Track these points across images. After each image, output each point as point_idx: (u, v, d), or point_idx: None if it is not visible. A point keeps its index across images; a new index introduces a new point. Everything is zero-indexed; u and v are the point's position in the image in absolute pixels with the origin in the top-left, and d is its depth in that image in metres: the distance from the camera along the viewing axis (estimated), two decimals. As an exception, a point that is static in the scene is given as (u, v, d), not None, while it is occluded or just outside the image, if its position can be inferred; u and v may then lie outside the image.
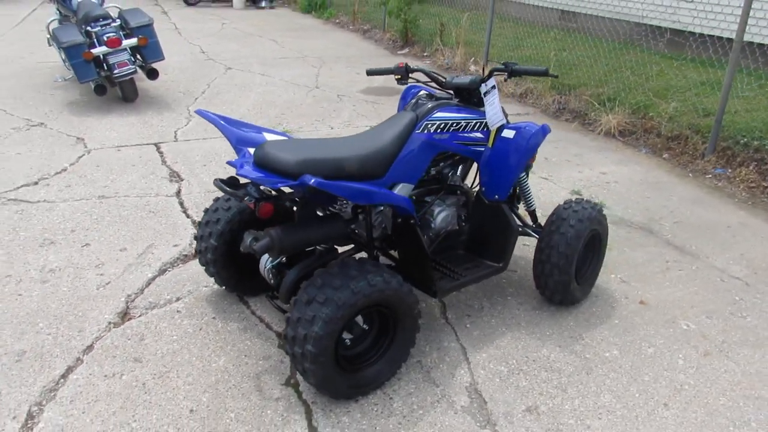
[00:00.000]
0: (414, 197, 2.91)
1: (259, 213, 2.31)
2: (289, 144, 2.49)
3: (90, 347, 2.70)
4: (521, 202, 3.24)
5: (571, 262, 2.89)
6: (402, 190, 2.70)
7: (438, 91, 3.09)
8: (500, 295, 3.24)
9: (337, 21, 12.89)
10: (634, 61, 7.35)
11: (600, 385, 2.60)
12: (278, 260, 2.75)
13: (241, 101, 6.66)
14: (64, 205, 4.05)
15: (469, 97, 2.97)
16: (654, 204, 4.47)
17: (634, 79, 6.83)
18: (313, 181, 2.10)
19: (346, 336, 2.43)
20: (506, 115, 3.03)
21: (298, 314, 2.26)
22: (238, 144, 2.62)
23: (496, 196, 2.90)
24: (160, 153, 5.08)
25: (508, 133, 2.88)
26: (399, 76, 3.11)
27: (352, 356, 2.47)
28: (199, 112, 2.74)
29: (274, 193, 2.55)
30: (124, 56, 5.97)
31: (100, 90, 5.92)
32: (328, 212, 2.70)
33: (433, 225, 2.93)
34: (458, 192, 3.05)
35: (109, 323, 2.87)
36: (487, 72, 2.90)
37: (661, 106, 5.98)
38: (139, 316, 2.95)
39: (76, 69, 5.79)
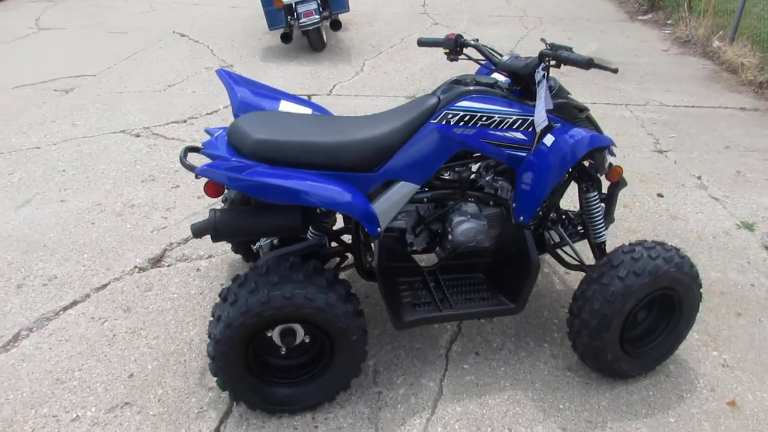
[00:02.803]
0: (426, 200, 2.41)
1: (205, 190, 2.12)
2: (265, 119, 2.23)
3: (104, 286, 2.87)
4: (589, 230, 2.50)
5: (608, 325, 2.14)
6: (401, 189, 2.24)
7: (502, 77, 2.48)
8: (536, 337, 2.58)
9: (589, -23, 11.54)
10: None
11: (579, 501, 1.91)
12: (270, 240, 2.56)
13: (419, 60, 6.38)
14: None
15: (528, 85, 2.32)
16: None
17: None
18: (198, 168, 1.84)
19: (282, 345, 2.14)
20: (577, 111, 2.31)
21: (214, 309, 2.06)
22: (239, 111, 2.44)
23: (521, 218, 2.25)
24: (305, 106, 5.13)
25: (548, 139, 2.19)
26: (447, 50, 2.57)
27: (284, 368, 2.19)
28: (219, 72, 2.61)
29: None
30: (312, 6, 6.08)
31: (285, 38, 6.18)
32: None
33: (450, 236, 2.41)
34: (490, 203, 2.45)
35: (135, 267, 3.01)
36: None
37: None
38: (167, 266, 3.04)
39: (267, 16, 6.14)
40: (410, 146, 2.20)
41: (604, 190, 2.58)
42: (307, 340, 2.15)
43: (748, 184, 3.92)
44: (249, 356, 2.06)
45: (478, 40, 2.53)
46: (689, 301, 2.27)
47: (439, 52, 6.59)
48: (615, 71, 2.07)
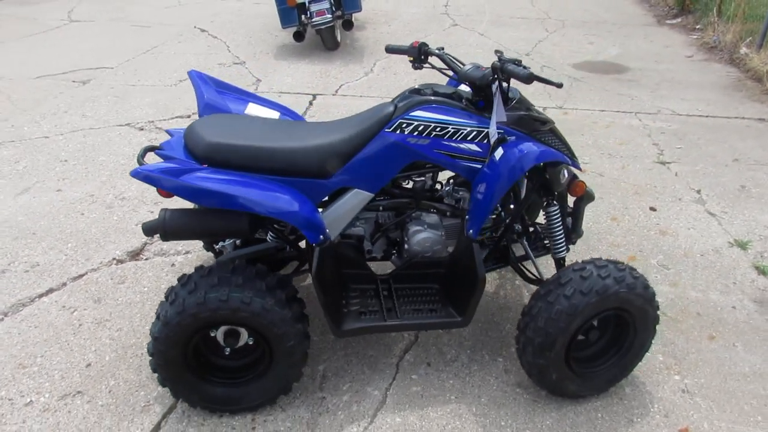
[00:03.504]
0: (382, 208, 2.41)
1: (157, 191, 2.16)
2: (223, 122, 2.27)
3: (80, 276, 2.96)
4: (550, 245, 2.46)
5: (552, 344, 2.10)
6: (355, 197, 2.25)
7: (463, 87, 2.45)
8: (492, 351, 2.55)
9: (625, -21, 11.23)
10: None
11: None
12: (231, 240, 2.60)
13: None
14: (189, 140, 4.42)
15: (488, 96, 2.28)
16: None
17: None
18: (133, 170, 1.89)
19: (225, 345, 2.17)
20: (538, 123, 2.25)
21: (159, 307, 2.10)
22: (204, 113, 2.48)
23: (470, 231, 2.22)
24: (310, 105, 5.17)
25: (498, 152, 2.15)
26: (411, 58, 2.55)
27: (225, 368, 2.22)
28: (189, 73, 2.66)
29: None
30: (324, 5, 6.10)
31: (297, 36, 6.22)
32: None
33: (406, 245, 2.41)
34: (447, 214, 2.43)
35: (113, 259, 3.09)
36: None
37: None
38: (144, 259, 3.11)
39: (280, 14, 6.18)
40: (364, 154, 2.19)
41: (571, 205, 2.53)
42: (250, 342, 2.17)
43: (752, 199, 3.77)
44: (189, 355, 2.10)
45: (443, 48, 2.50)
46: (644, 323, 2.21)
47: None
48: (559, 86, 2.01)
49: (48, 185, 3.77)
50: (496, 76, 2.12)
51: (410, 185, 2.42)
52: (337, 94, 5.40)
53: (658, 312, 2.22)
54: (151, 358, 2.08)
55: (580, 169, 2.41)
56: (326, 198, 2.27)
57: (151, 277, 2.96)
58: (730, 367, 2.49)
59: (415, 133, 2.17)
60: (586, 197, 2.49)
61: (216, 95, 2.55)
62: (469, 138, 2.19)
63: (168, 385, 2.13)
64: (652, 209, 3.62)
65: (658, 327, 2.25)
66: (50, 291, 2.85)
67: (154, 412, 2.24)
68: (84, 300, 2.79)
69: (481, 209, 2.16)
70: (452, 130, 2.18)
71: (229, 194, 1.92)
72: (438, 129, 2.17)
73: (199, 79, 2.60)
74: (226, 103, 2.53)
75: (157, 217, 2.16)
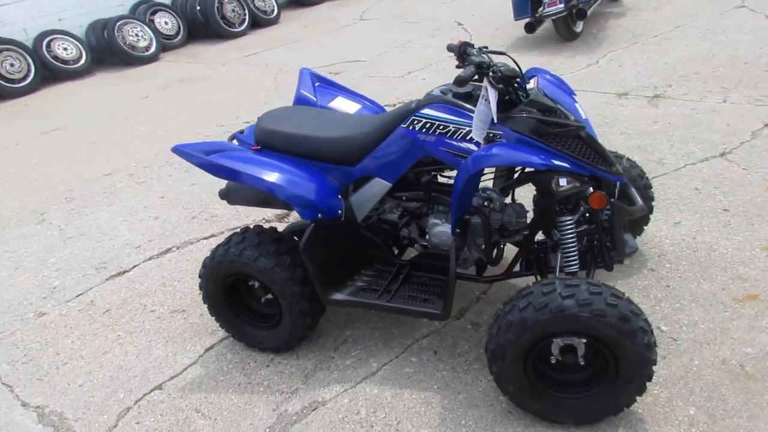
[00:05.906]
0: (405, 198, 2.57)
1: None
2: (287, 113, 2.72)
3: (236, 228, 3.78)
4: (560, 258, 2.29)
5: (502, 354, 2.02)
6: (375, 185, 2.53)
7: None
8: (503, 357, 2.48)
9: None
10: None
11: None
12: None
13: (672, 51, 5.62)
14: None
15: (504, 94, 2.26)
16: None
17: None
18: (173, 147, 2.45)
19: (259, 294, 2.67)
20: (545, 126, 2.14)
21: (212, 256, 2.70)
22: (297, 103, 2.98)
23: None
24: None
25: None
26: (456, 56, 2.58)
27: (262, 315, 2.71)
28: (300, 70, 3.16)
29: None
30: (557, -5, 5.97)
31: (528, 28, 6.21)
32: None
33: (427, 236, 2.54)
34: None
35: (263, 218, 3.85)
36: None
37: None
38: (286, 221, 3.80)
39: (514, 6, 6.26)
40: (384, 146, 2.42)
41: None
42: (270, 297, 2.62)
43: None
44: (226, 295, 2.64)
45: (487, 47, 2.49)
46: (625, 359, 1.93)
47: (705, 44, 5.73)
48: (498, 90, 1.91)
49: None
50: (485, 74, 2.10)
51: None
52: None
53: (649, 351, 1.91)
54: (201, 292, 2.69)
55: (612, 181, 2.18)
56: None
57: (280, 236, 3.61)
58: (786, 446, 1.96)
59: (424, 130, 2.29)
60: (619, 212, 2.22)
61: (310, 89, 2.98)
62: (468, 137, 2.21)
63: (214, 316, 2.73)
64: (835, 243, 2.82)
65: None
66: (212, 236, 3.74)
67: (216, 336, 2.87)
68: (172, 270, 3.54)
69: (453, 212, 2.19)
70: (453, 129, 2.23)
71: (236, 171, 2.37)
72: (441, 127, 2.25)
73: (303, 75, 3.07)
74: (317, 97, 2.96)
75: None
